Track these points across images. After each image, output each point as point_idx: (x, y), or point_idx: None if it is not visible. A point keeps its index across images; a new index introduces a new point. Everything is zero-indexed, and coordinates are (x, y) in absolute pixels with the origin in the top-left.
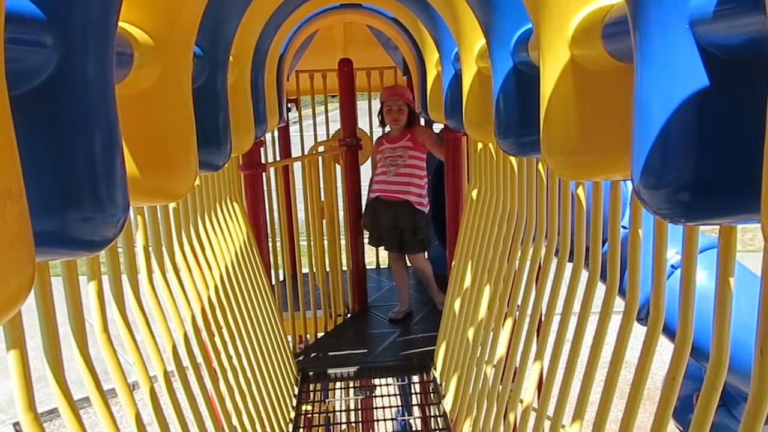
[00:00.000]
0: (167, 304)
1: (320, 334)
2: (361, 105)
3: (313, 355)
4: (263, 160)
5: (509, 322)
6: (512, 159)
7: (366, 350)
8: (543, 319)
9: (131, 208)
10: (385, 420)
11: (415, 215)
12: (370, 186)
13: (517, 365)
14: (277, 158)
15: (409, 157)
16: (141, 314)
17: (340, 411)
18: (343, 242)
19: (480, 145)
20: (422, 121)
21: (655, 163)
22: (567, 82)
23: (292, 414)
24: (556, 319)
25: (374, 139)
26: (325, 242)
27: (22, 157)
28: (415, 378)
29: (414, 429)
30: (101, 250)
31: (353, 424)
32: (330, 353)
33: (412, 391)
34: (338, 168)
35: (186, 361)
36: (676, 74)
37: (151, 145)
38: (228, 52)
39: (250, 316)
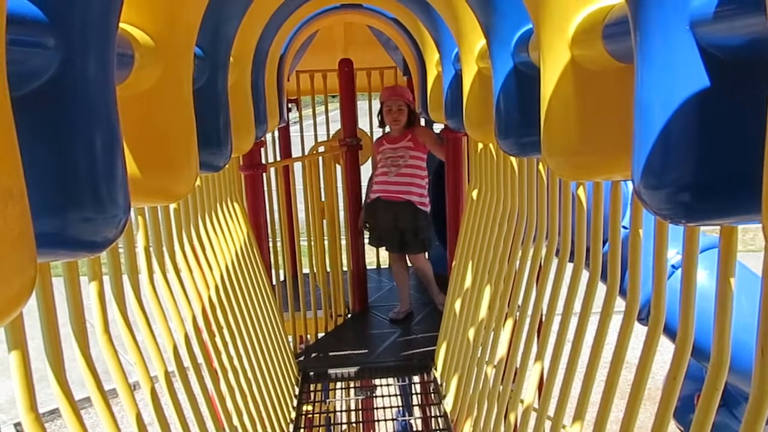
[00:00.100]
0: (168, 304)
1: (321, 335)
2: (362, 105)
3: (313, 355)
4: (263, 161)
5: (510, 323)
6: (513, 159)
7: (366, 350)
8: (543, 319)
9: (132, 208)
10: (385, 420)
11: (417, 215)
12: (368, 186)
13: (518, 365)
14: (278, 158)
15: (410, 158)
16: (142, 314)
17: (341, 411)
18: (343, 242)
19: (480, 146)
20: (422, 122)
21: (655, 163)
22: (567, 83)
23: (293, 414)
24: (557, 320)
25: (374, 139)
26: (326, 242)
27: (23, 158)
28: (416, 378)
29: (414, 429)
30: (102, 251)
31: (354, 425)
32: (330, 353)
33: (413, 392)
34: (338, 168)
35: (187, 362)
36: (677, 75)
37: (152, 145)
38: (228, 52)
39: (250, 316)
